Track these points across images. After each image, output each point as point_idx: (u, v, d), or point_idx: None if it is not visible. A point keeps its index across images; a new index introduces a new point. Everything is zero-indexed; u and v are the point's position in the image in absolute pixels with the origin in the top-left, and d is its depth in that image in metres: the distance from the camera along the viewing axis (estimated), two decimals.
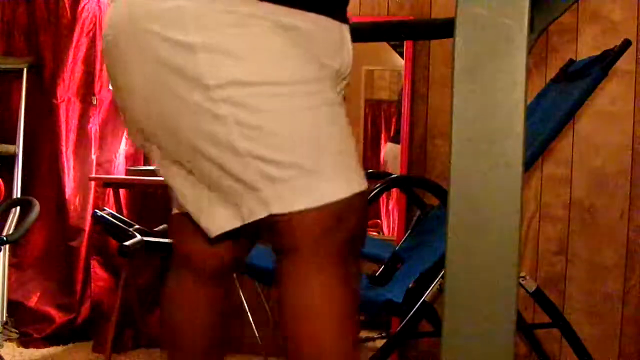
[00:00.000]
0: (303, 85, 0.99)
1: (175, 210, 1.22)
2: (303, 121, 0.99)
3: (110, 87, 1.11)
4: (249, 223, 1.01)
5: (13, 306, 2.81)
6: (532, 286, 1.88)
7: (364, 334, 2.45)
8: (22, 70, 2.83)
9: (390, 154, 2.87)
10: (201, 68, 0.96)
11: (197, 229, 1.10)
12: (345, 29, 1.13)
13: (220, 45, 0.96)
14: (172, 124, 1.01)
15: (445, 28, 1.56)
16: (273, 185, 0.97)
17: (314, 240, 1.00)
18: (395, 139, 2.77)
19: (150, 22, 0.98)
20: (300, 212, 0.98)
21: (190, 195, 1.08)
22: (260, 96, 0.97)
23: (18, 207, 2.60)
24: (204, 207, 1.06)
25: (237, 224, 1.03)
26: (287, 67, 0.99)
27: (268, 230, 1.03)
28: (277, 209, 0.98)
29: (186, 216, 1.12)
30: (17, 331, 2.80)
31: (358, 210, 1.03)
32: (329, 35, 1.08)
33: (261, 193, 0.98)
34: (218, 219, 1.05)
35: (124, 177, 2.88)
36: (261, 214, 0.98)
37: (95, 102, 2.89)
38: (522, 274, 1.86)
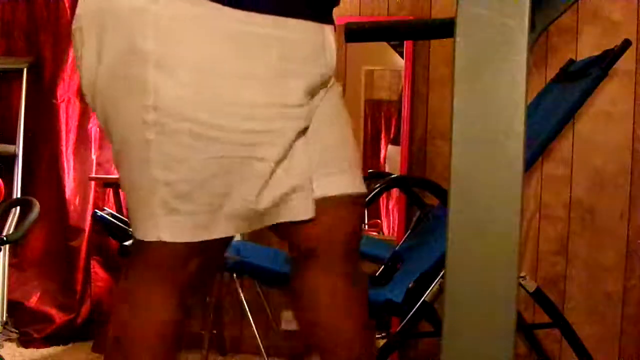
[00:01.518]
0: (227, 134, 0.98)
1: None
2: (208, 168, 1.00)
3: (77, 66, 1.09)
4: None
5: (13, 306, 2.81)
6: (532, 286, 1.88)
7: None
8: (22, 70, 2.83)
9: (392, 156, 2.87)
10: (146, 84, 0.95)
11: None
12: (328, 30, 1.10)
13: (169, 66, 0.95)
14: (116, 123, 1.02)
15: (445, 28, 1.56)
16: (169, 216, 1.00)
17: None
18: (396, 141, 2.77)
19: (114, 19, 0.97)
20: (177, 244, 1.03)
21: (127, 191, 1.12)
22: (187, 133, 0.96)
23: (18, 207, 2.59)
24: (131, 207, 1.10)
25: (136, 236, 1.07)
26: (225, 109, 0.98)
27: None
28: (166, 237, 1.02)
29: None
30: (17, 331, 2.80)
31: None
32: (308, 40, 1.06)
33: (157, 218, 1.01)
34: (134, 223, 1.08)
35: None
36: (150, 236, 1.03)
37: None
38: (522, 274, 1.86)
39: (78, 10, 1.05)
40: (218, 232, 1.03)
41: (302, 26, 1.04)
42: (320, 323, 1.18)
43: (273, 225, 1.09)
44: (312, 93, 1.07)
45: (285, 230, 1.13)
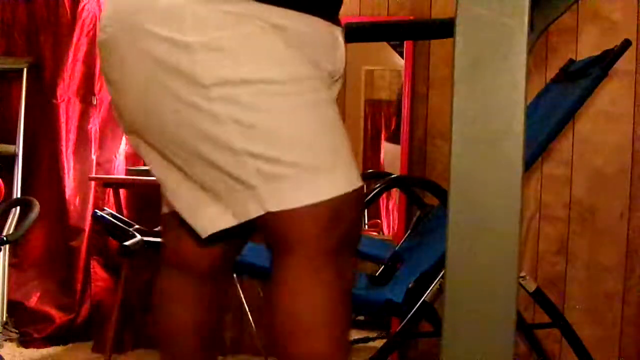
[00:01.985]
0: (298, 84, 1.00)
1: (165, 210, 1.22)
2: (299, 119, 0.99)
3: (105, 80, 1.10)
4: (243, 222, 1.01)
5: (13, 306, 2.81)
6: (532, 286, 1.88)
7: (364, 334, 2.45)
8: (22, 70, 2.83)
9: (389, 154, 2.87)
10: (197, 67, 0.96)
11: (188, 229, 1.10)
12: (337, 31, 1.13)
13: (215, 45, 0.97)
14: (166, 123, 1.01)
15: (445, 28, 1.56)
16: (269, 183, 0.97)
17: (309, 237, 1.00)
18: (393, 139, 2.77)
19: (148, 20, 0.99)
20: (295, 210, 0.97)
21: (182, 195, 1.07)
22: (256, 94, 0.97)
23: (18, 207, 2.60)
24: (196, 206, 1.06)
25: (231, 222, 1.02)
26: (282, 66, 0.99)
27: (264, 228, 1.03)
28: (273, 206, 0.97)
29: (176, 215, 1.12)
30: (17, 331, 2.80)
31: (354, 208, 1.03)
32: (322, 36, 1.09)
33: (257, 191, 0.97)
34: (211, 218, 1.04)
35: (124, 177, 2.88)
36: (257, 212, 0.98)
37: (95, 102, 2.89)
38: (522, 274, 1.86)
39: (103, 22, 1.06)
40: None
41: (317, 23, 1.07)
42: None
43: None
44: (327, 87, 1.10)
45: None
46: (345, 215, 1.01)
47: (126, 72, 1.03)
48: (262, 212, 0.98)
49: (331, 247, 1.01)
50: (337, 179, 1.00)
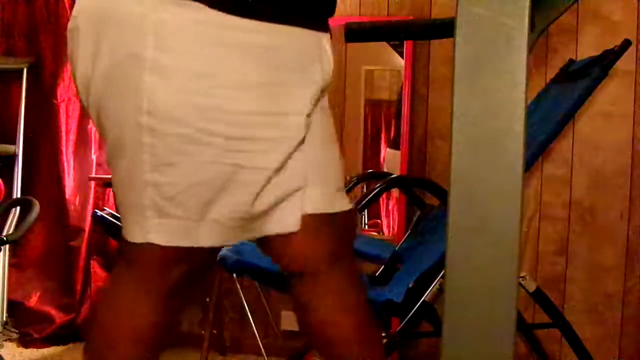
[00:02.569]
0: (220, 141, 0.98)
1: None
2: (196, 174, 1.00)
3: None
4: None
5: (13, 306, 2.81)
6: (532, 286, 1.88)
7: None
8: (22, 70, 2.83)
9: (390, 160, 2.86)
10: (142, 89, 0.95)
11: None
12: (324, 38, 1.09)
13: (166, 71, 0.95)
14: (112, 125, 1.02)
15: (445, 28, 1.56)
16: (160, 218, 1.01)
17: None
18: (395, 145, 2.76)
19: (112, 22, 0.98)
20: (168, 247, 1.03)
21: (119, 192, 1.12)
22: (180, 137, 0.97)
23: (18, 207, 2.59)
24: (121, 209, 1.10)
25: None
26: (219, 116, 0.97)
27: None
28: (155, 239, 1.03)
29: None
30: (17, 331, 2.80)
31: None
32: (307, 48, 1.05)
33: (147, 220, 1.01)
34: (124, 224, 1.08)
35: None
36: (137, 238, 1.04)
37: None
38: (522, 274, 1.86)
39: (75, 10, 1.05)
40: (206, 240, 1.03)
41: (299, 34, 1.04)
42: (318, 322, 1.19)
43: (259, 241, 1.11)
44: (311, 102, 1.06)
45: (270, 247, 1.15)
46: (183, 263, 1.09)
47: (88, 65, 1.02)
48: (142, 241, 1.03)
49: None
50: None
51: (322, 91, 1.10)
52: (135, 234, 1.03)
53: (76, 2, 1.07)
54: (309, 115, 1.05)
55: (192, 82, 0.96)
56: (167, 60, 0.95)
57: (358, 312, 1.21)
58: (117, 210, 1.13)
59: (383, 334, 2.38)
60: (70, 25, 1.06)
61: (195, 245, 1.03)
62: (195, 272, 1.14)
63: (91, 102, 1.04)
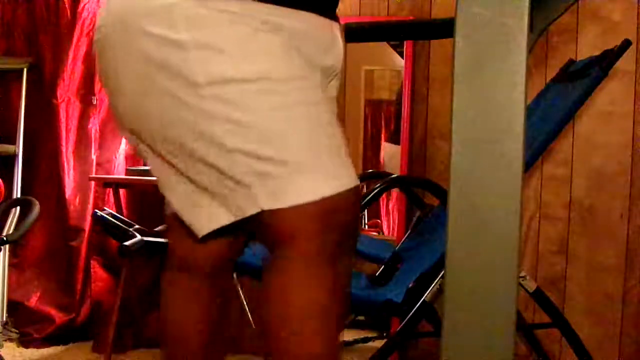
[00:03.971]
0: (291, 83, 1.00)
1: (168, 211, 1.22)
2: (292, 118, 0.99)
3: (100, 82, 1.11)
4: (241, 220, 1.01)
5: (13, 306, 2.80)
6: (532, 286, 1.88)
7: (363, 334, 2.45)
8: (22, 70, 2.83)
9: (389, 154, 2.87)
10: (191, 65, 0.96)
11: (189, 229, 1.09)
12: (335, 27, 1.13)
13: (209, 43, 0.97)
14: (161, 123, 1.01)
15: (445, 28, 1.56)
16: (263, 182, 0.97)
17: (305, 236, 0.99)
18: (393, 139, 2.77)
19: (141, 19, 0.99)
20: (291, 208, 0.97)
21: (179, 194, 1.07)
22: (250, 93, 0.97)
23: (18, 207, 2.59)
24: (192, 206, 1.06)
25: (226, 221, 1.02)
26: (276, 65, 0.99)
27: (259, 226, 1.02)
28: (268, 205, 0.97)
29: (178, 216, 1.12)
30: (17, 331, 2.80)
31: (350, 207, 1.02)
32: (320, 33, 1.09)
33: (251, 189, 0.97)
34: (206, 217, 1.04)
35: (124, 177, 2.88)
36: (251, 210, 0.98)
37: (95, 102, 2.89)
38: (522, 274, 1.86)
39: (99, 20, 1.06)
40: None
41: (315, 19, 1.07)
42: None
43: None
44: (323, 85, 1.10)
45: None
46: (341, 214, 1.00)
47: (120, 71, 1.03)
48: (257, 210, 0.98)
49: (327, 246, 1.00)
50: (331, 177, 0.99)
51: (333, 75, 1.14)
52: (247, 208, 0.99)
53: (101, 9, 1.08)
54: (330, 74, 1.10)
55: (234, 47, 0.98)
56: (204, 36, 0.97)
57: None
58: (178, 209, 1.10)
59: (383, 334, 2.39)
60: (95, 37, 1.07)
61: (311, 199, 0.98)
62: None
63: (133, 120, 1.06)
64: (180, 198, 1.07)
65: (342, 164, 1.02)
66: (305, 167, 0.98)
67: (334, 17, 1.13)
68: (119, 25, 1.02)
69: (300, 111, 0.99)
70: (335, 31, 1.12)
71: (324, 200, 0.97)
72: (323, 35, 1.10)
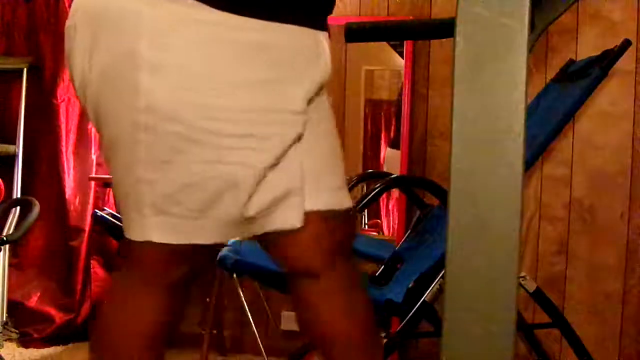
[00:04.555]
0: (218, 139, 0.98)
1: None
2: (188, 174, 1.00)
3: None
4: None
5: (13, 306, 2.80)
6: (532, 286, 1.88)
7: None
8: (22, 70, 2.83)
9: (390, 159, 2.86)
10: (138, 86, 0.95)
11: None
12: (322, 37, 1.09)
13: (162, 69, 0.95)
14: (109, 123, 1.02)
15: (445, 28, 1.56)
16: (157, 216, 1.01)
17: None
18: (395, 144, 2.76)
19: (112, 24, 0.97)
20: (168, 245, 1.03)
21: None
22: (177, 135, 0.96)
23: (18, 207, 2.59)
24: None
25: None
26: (217, 113, 0.97)
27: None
28: (157, 238, 1.02)
29: None
30: (17, 331, 2.80)
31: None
32: (303, 46, 1.05)
33: (145, 218, 1.01)
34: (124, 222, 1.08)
35: None
36: (137, 236, 1.04)
37: None
38: (522, 274, 1.86)
39: (72, 8, 1.06)
40: (206, 238, 1.03)
41: (297, 32, 1.04)
42: (319, 323, 1.18)
43: (261, 237, 1.10)
44: (309, 100, 1.06)
45: (272, 245, 1.14)
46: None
47: (85, 63, 1.02)
48: (142, 239, 1.03)
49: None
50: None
51: (320, 88, 1.10)
52: (136, 232, 1.03)
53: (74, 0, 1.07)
54: (304, 113, 1.04)
55: (189, 80, 0.96)
56: (164, 58, 0.95)
57: (359, 314, 1.20)
58: (117, 209, 1.12)
59: (383, 334, 2.39)
60: (67, 22, 1.06)
61: (195, 242, 1.03)
62: (196, 269, 1.14)
63: (88, 99, 1.04)
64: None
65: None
66: (192, 215, 1.02)
67: (320, 26, 1.09)
68: (88, 18, 1.01)
69: (191, 169, 1.00)
70: (321, 42, 1.09)
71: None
72: (307, 49, 1.06)
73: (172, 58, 0.95)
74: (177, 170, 0.98)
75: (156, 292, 1.11)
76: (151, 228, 1.01)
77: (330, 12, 1.13)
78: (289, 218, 1.05)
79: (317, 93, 1.10)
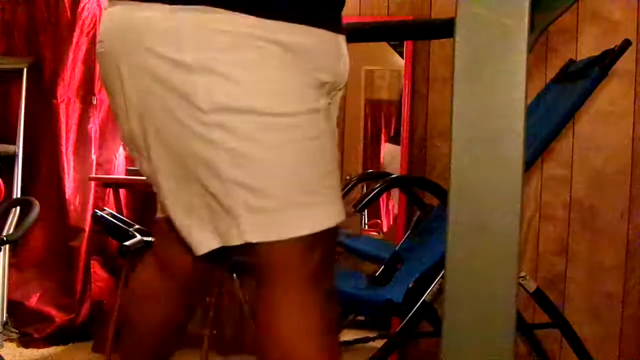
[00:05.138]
0: (295, 117, 0.98)
1: (159, 215, 1.22)
2: (290, 154, 0.99)
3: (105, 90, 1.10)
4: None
5: (13, 306, 2.81)
6: (532, 286, 1.88)
7: (363, 334, 2.45)
8: (22, 70, 2.83)
9: (389, 155, 2.87)
10: (196, 90, 0.95)
11: (179, 237, 1.09)
12: (341, 40, 1.11)
13: (214, 68, 0.95)
14: (166, 141, 1.00)
15: (445, 28, 1.56)
16: (252, 214, 0.97)
17: (287, 268, 1.02)
18: (394, 140, 2.77)
19: (144, 36, 0.97)
20: (274, 243, 0.99)
21: (178, 209, 1.06)
22: (251, 125, 0.96)
23: (18, 207, 2.59)
24: (190, 225, 1.06)
25: (214, 245, 1.03)
26: (281, 97, 0.98)
27: (248, 253, 1.04)
28: (253, 237, 0.98)
29: (169, 222, 1.11)
30: (17, 331, 2.80)
31: (330, 239, 1.05)
32: (328, 48, 1.07)
33: (239, 220, 0.98)
34: (202, 239, 1.05)
35: (124, 177, 2.88)
36: (236, 240, 0.99)
37: (95, 102, 2.89)
38: (522, 274, 1.86)
39: (99, 35, 1.06)
40: (298, 225, 1.00)
41: (323, 35, 1.06)
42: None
43: None
44: (326, 100, 1.08)
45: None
46: (322, 246, 1.03)
47: (124, 86, 1.02)
48: (240, 242, 0.99)
49: (308, 276, 1.03)
50: (320, 214, 1.00)
51: (339, 90, 1.13)
52: (233, 238, 1.00)
53: (102, 23, 1.07)
54: (327, 109, 1.06)
55: (241, 70, 0.96)
56: (209, 57, 0.95)
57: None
58: (180, 233, 1.09)
59: (383, 334, 2.39)
60: (97, 49, 1.06)
61: (294, 235, 0.99)
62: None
63: (137, 125, 1.04)
64: (179, 213, 1.06)
65: (331, 201, 1.03)
66: (296, 204, 0.99)
67: (339, 28, 1.11)
68: (121, 41, 1.01)
69: (298, 148, 0.99)
70: (341, 44, 1.11)
71: (308, 236, 0.99)
72: (331, 51, 1.08)
73: (217, 56, 0.95)
74: (259, 160, 0.97)
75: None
76: (248, 230, 0.98)
77: (341, 14, 1.14)
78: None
79: (335, 92, 1.13)
